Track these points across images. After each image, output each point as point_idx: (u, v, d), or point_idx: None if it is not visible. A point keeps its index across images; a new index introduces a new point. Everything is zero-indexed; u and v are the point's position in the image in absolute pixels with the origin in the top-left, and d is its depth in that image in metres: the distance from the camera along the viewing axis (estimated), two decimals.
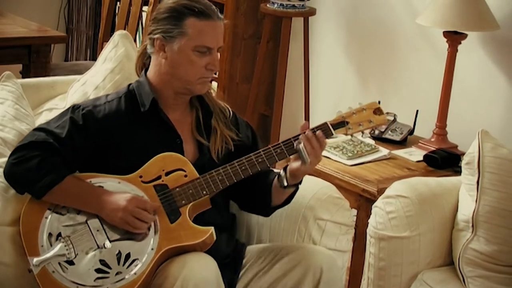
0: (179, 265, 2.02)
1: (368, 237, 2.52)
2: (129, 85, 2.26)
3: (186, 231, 2.09)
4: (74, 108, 2.20)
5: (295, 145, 2.13)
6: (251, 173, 2.13)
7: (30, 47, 3.76)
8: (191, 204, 2.12)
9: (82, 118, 2.16)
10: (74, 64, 4.48)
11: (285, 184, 2.16)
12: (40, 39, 3.82)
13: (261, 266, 2.21)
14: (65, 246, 2.08)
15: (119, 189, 2.13)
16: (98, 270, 2.07)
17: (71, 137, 2.14)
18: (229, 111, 2.29)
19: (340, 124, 2.16)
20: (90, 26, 5.13)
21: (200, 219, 2.13)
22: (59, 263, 2.08)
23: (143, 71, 2.24)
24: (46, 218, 2.11)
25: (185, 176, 2.13)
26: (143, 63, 2.26)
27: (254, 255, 2.24)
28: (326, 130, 2.15)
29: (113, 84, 2.63)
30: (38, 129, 2.18)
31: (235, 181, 2.13)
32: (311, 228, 2.34)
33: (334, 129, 2.15)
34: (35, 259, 2.07)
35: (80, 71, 2.98)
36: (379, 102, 2.24)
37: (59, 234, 2.10)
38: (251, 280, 2.21)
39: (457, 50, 3.18)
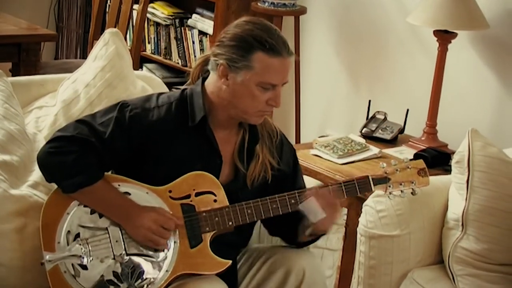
0: None
1: (358, 235, 2.52)
2: (184, 90, 2.14)
3: (204, 259, 2.05)
4: (122, 106, 2.10)
5: (300, 203, 2.07)
6: (281, 213, 2.08)
7: (20, 45, 3.74)
8: (214, 231, 2.07)
9: (128, 120, 2.07)
10: (64, 62, 4.47)
11: (307, 233, 2.12)
12: (30, 37, 3.80)
13: (249, 268, 2.20)
14: (82, 249, 2.04)
15: (146, 200, 2.07)
16: (109, 281, 2.04)
17: (113, 138, 2.06)
18: (277, 133, 2.19)
19: (382, 180, 2.11)
20: (80, 24, 5.12)
21: (218, 238, 2.09)
22: (72, 265, 2.04)
23: (201, 80, 2.13)
24: (68, 213, 2.06)
25: (215, 201, 2.07)
26: (201, 74, 2.16)
27: (243, 254, 2.24)
28: (365, 183, 2.11)
29: (104, 82, 2.62)
30: (83, 121, 2.09)
31: (263, 217, 2.09)
32: None
33: (374, 185, 2.10)
34: (49, 256, 2.03)
35: (70, 69, 2.97)
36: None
37: (78, 235, 2.06)
38: (241, 282, 2.20)
39: (447, 49, 3.19)
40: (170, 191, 2.08)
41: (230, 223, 2.06)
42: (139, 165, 2.10)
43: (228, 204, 2.07)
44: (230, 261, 2.05)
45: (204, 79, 2.13)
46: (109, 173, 2.15)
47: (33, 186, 2.25)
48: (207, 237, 2.06)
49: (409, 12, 3.28)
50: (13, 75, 3.67)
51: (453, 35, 3.16)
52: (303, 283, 2.12)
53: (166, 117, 2.10)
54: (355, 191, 2.12)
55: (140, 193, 2.08)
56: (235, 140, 2.16)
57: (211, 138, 2.11)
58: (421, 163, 2.14)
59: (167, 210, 2.07)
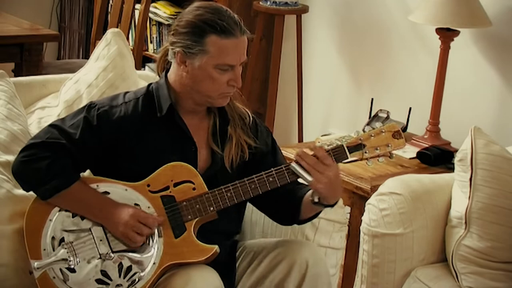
0: (183, 280, 1.99)
1: (361, 234, 2.52)
2: (149, 85, 2.19)
3: (189, 247, 2.06)
4: (90, 106, 2.13)
5: (290, 166, 2.06)
6: (260, 192, 2.08)
7: (23, 45, 3.75)
8: (197, 219, 2.08)
9: (96, 118, 2.10)
10: (66, 62, 4.47)
11: (316, 200, 2.10)
12: (32, 37, 3.81)
13: (249, 263, 2.20)
14: (68, 252, 2.06)
15: (125, 197, 2.09)
16: (98, 281, 2.05)
17: (83, 138, 2.08)
18: (249, 116, 2.21)
19: (357, 147, 2.09)
20: (82, 24, 5.12)
21: (206, 226, 2.10)
22: (60, 269, 2.05)
23: (164, 72, 2.17)
24: (51, 220, 2.08)
25: (194, 189, 2.08)
26: (164, 65, 2.19)
27: (243, 250, 2.24)
28: (341, 152, 2.09)
29: (106, 82, 2.62)
30: (53, 125, 2.12)
31: (244, 199, 2.09)
32: (304, 226, 2.34)
33: (350, 152, 2.09)
34: (36, 263, 2.05)
35: (72, 70, 2.97)
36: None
37: (62, 239, 2.07)
38: (241, 277, 2.20)
39: (449, 47, 3.19)
40: (148, 185, 2.09)
41: (211, 208, 2.07)
42: (115, 164, 2.12)
43: (207, 190, 2.09)
44: (216, 246, 2.06)
45: (167, 71, 2.16)
46: (86, 174, 2.16)
47: None
48: (191, 225, 2.07)
49: (411, 10, 3.27)
50: (15, 76, 3.68)
51: (456, 33, 3.16)
52: (307, 275, 2.12)
53: (134, 112, 2.13)
54: None
55: (119, 191, 2.09)
56: (207, 125, 2.18)
57: (182, 126, 2.13)
58: (394, 126, 2.12)
59: (147, 205, 2.08)
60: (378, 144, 2.10)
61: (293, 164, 2.07)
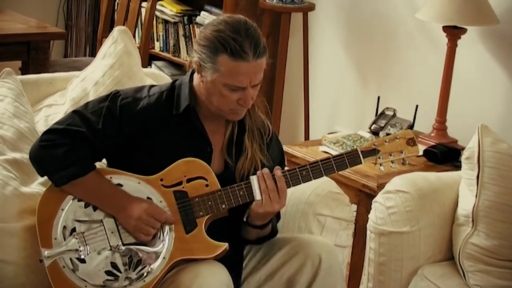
0: (191, 274, 2.00)
1: (368, 232, 2.52)
2: (175, 81, 2.19)
3: (200, 244, 2.06)
4: (114, 96, 2.13)
5: (250, 178, 2.07)
6: None
7: (29, 43, 3.76)
8: (208, 216, 2.09)
9: (119, 109, 2.10)
10: (73, 60, 4.48)
11: (244, 218, 2.12)
12: (39, 35, 3.82)
13: (260, 258, 2.21)
14: (78, 242, 2.07)
15: (138, 190, 2.09)
16: (108, 272, 2.06)
17: (104, 127, 2.08)
18: (268, 130, 2.20)
19: (371, 152, 2.10)
20: (89, 22, 5.13)
21: (212, 224, 2.10)
22: (71, 259, 2.06)
23: (191, 70, 2.15)
24: (63, 209, 2.09)
25: (207, 185, 2.09)
26: (192, 64, 2.16)
27: (252, 248, 2.24)
28: (355, 157, 2.10)
29: (113, 80, 2.63)
30: (76, 112, 2.12)
31: None
32: (311, 224, 2.34)
33: (363, 157, 2.09)
34: (47, 252, 2.06)
35: (79, 67, 2.98)
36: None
37: (73, 229, 2.08)
38: (250, 273, 2.21)
39: (456, 45, 3.18)
40: (161, 180, 2.10)
41: (223, 206, 2.08)
42: (131, 156, 2.12)
43: (220, 187, 2.09)
44: (226, 244, 2.06)
45: (193, 70, 2.15)
46: (101, 165, 2.17)
47: (43, 183, 2.25)
48: (202, 221, 2.08)
49: (418, 8, 3.27)
50: (22, 74, 3.68)
51: (463, 30, 3.15)
52: (320, 269, 2.12)
53: (156, 106, 2.13)
54: (345, 165, 2.11)
55: (132, 184, 2.10)
56: (224, 132, 2.17)
57: (199, 127, 2.13)
58: (409, 133, 2.13)
59: (159, 200, 2.08)
60: (392, 150, 2.11)
61: (254, 177, 2.07)
